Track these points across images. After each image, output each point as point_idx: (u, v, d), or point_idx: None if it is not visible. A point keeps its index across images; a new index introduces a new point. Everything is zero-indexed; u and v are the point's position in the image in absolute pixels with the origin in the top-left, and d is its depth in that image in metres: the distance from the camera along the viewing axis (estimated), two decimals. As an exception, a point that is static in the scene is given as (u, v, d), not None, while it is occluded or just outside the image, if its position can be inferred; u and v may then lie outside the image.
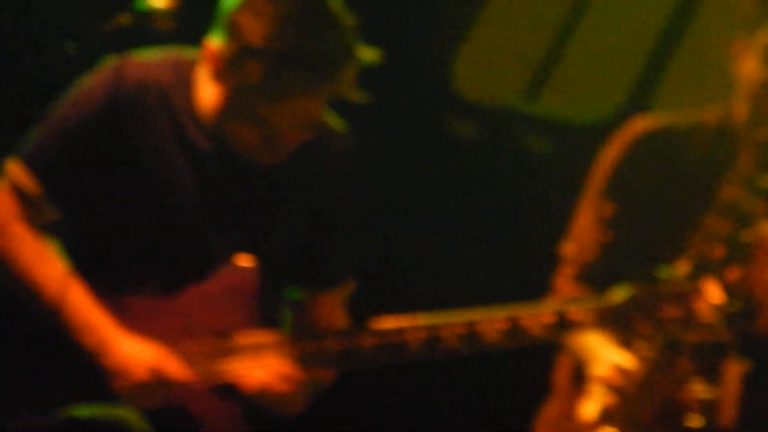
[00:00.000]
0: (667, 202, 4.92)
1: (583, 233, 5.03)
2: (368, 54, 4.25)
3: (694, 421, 4.47)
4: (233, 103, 4.27)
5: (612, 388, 4.60)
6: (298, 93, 4.21)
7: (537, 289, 5.06)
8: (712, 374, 4.53)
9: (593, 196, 5.00)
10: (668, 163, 4.96)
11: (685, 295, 4.34)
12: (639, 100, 6.85)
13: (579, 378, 5.10)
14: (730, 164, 4.82)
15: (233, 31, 4.20)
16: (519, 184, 6.05)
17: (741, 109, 4.76)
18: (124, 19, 4.20)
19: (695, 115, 4.97)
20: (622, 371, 4.59)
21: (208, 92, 4.34)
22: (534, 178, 5.40)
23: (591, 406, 4.65)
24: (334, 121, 4.43)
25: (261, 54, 4.16)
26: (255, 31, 4.19)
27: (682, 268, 4.48)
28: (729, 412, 4.45)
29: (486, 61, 6.88)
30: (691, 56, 6.84)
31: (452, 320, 4.33)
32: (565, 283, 4.97)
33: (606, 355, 4.67)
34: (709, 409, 4.49)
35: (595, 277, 4.89)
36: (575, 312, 4.35)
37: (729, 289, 4.41)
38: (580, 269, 4.99)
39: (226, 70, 4.23)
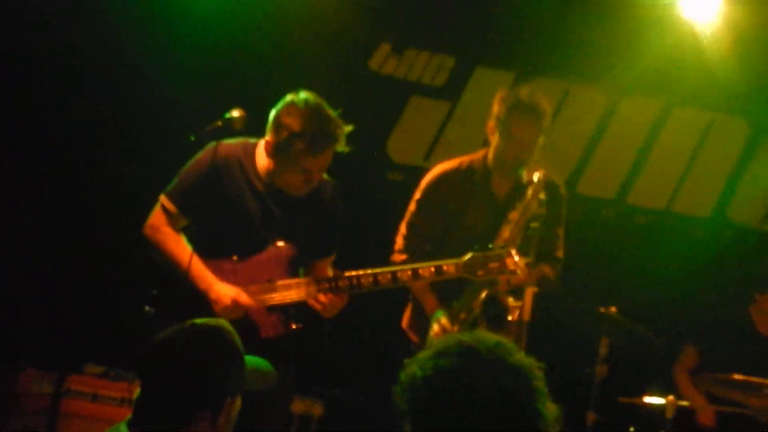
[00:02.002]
0: (456, 202, 5.03)
1: (409, 220, 5.15)
2: (347, 130, 4.54)
3: (510, 317, 4.61)
4: (286, 164, 4.54)
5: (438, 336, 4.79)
6: (323, 150, 4.50)
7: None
8: (518, 295, 4.65)
9: (415, 200, 5.17)
10: (453, 186, 5.05)
11: (501, 256, 4.54)
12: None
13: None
14: (489, 186, 5.00)
15: (281, 126, 4.52)
16: None
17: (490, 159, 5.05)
18: (218, 123, 4.52)
19: (471, 158, 5.13)
20: (444, 329, 4.78)
21: (263, 161, 4.66)
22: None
23: (431, 336, 4.83)
24: (326, 175, 4.73)
25: (302, 135, 4.47)
26: (295, 124, 4.49)
27: (498, 243, 4.70)
28: (527, 313, 4.59)
29: (404, 138, 6.95)
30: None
31: (382, 270, 4.56)
32: (401, 247, 5.11)
33: (438, 315, 4.83)
34: (518, 311, 4.61)
35: (412, 244, 5.06)
36: (447, 265, 4.55)
37: (523, 252, 4.59)
38: (406, 241, 5.13)
39: (279, 148, 4.54)
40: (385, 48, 6.80)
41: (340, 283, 4.54)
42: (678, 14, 6.24)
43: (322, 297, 4.53)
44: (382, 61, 6.80)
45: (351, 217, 4.92)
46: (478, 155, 5.14)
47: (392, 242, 5.70)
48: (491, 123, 5.01)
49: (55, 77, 6.23)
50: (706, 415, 5.84)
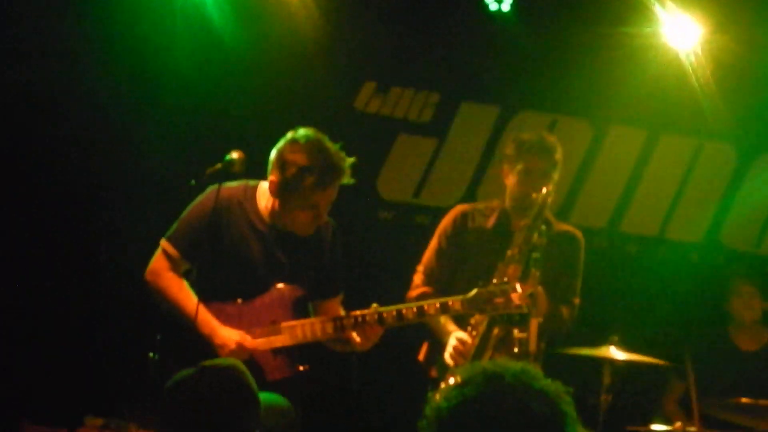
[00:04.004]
0: (471, 243, 5.18)
1: (427, 259, 5.28)
2: (350, 162, 4.58)
3: (516, 348, 4.68)
4: (295, 201, 4.54)
5: (456, 350, 4.83)
6: (330, 183, 4.53)
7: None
8: (523, 326, 4.69)
9: (433, 240, 5.30)
10: (472, 225, 5.21)
11: (507, 291, 4.55)
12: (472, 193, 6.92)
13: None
14: (509, 226, 5.12)
15: (287, 163, 4.52)
16: (411, 241, 5.96)
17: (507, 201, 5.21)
18: (218, 166, 4.49)
19: (488, 202, 5.34)
20: (462, 341, 4.85)
21: (264, 202, 4.67)
22: (421, 238, 5.55)
23: (447, 358, 4.85)
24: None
25: (310, 169, 4.49)
26: (302, 159, 4.51)
27: (500, 279, 4.76)
28: (533, 345, 4.63)
29: (393, 176, 6.99)
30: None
31: (387, 309, 4.54)
32: (419, 282, 5.22)
33: (454, 332, 4.91)
34: (522, 343, 4.68)
35: (430, 280, 5.19)
36: (453, 301, 4.59)
37: (525, 288, 4.62)
38: (425, 276, 5.24)
39: (287, 185, 4.53)
40: (369, 87, 6.85)
41: (345, 322, 4.51)
42: (661, 43, 6.34)
43: (357, 332, 4.51)
44: (368, 99, 6.84)
45: (344, 256, 4.89)
46: (495, 201, 5.28)
47: (384, 279, 5.74)
48: (505, 167, 5.18)
49: (54, 124, 6.20)
50: None
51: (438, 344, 5.04)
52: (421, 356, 5.21)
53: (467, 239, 5.19)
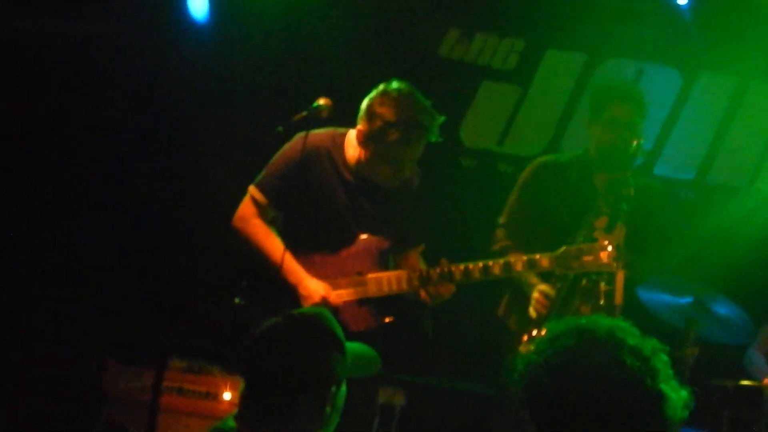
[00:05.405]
0: (553, 196, 5.06)
1: (508, 212, 5.18)
2: (440, 120, 4.54)
3: (602, 301, 4.68)
4: (378, 154, 4.54)
5: (539, 303, 4.75)
6: (415, 140, 4.51)
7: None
8: (609, 279, 4.65)
9: (514, 193, 5.20)
10: (554, 178, 5.09)
11: (596, 249, 4.49)
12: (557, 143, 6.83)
13: None
14: (591, 178, 5.00)
15: (375, 115, 4.52)
16: (494, 190, 5.96)
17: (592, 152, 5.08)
18: (305, 113, 4.50)
19: (571, 154, 5.22)
20: (545, 294, 4.76)
21: (352, 151, 4.64)
22: (504, 187, 5.51)
23: (531, 311, 4.77)
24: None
25: (396, 124, 4.47)
26: (389, 113, 4.48)
27: (587, 231, 4.70)
28: (618, 297, 4.57)
29: (476, 123, 6.93)
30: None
31: (474, 263, 4.49)
32: (501, 236, 5.12)
33: (537, 284, 4.81)
34: (608, 295, 4.65)
35: (512, 234, 5.09)
36: (541, 258, 4.52)
37: (611, 239, 4.51)
38: (506, 230, 5.14)
39: (372, 137, 4.53)
40: (454, 33, 6.79)
41: (431, 274, 4.47)
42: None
43: (430, 289, 4.48)
44: (452, 46, 6.79)
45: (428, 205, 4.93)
46: (579, 152, 5.16)
47: (466, 228, 5.74)
48: (589, 116, 5.03)
49: (143, 74, 6.30)
50: None
51: (518, 298, 4.99)
52: (501, 310, 5.15)
53: (548, 192, 5.09)
